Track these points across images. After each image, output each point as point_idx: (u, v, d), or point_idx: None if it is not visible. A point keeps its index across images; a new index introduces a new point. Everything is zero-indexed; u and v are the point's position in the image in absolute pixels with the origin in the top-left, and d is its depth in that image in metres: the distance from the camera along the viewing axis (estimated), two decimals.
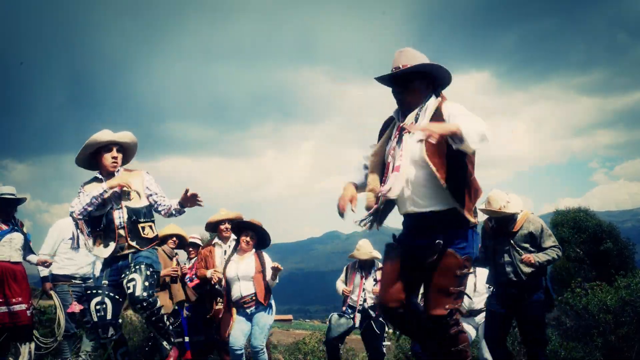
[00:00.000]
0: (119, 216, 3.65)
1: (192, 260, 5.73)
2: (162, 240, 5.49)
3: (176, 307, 5.35)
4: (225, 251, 5.16)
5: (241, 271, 4.75)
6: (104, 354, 5.01)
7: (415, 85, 2.65)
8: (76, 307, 4.80)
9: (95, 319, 3.56)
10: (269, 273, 4.80)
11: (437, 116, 2.56)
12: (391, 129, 2.77)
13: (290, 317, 44.90)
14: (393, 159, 2.61)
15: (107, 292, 3.62)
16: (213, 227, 5.40)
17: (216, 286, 5.10)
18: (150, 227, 3.78)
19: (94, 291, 3.64)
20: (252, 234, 4.85)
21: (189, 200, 3.74)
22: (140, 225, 3.70)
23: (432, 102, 2.64)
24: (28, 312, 4.60)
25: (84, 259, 4.99)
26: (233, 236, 5.17)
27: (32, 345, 4.48)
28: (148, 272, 3.62)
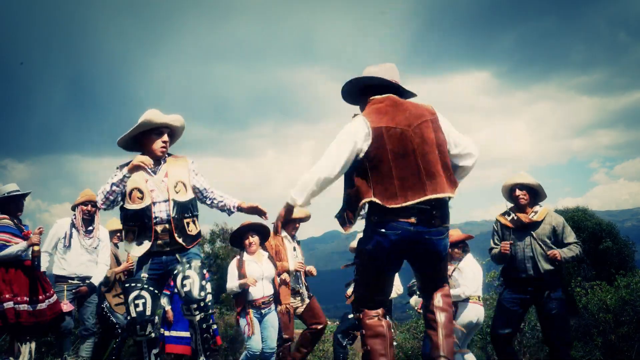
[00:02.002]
0: (164, 209, 3.33)
1: None
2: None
3: None
4: (294, 248, 5.17)
5: (265, 271, 4.76)
6: (104, 355, 5.02)
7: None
8: (65, 307, 4.78)
9: (134, 314, 3.26)
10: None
11: None
12: None
13: None
14: None
15: (146, 286, 3.32)
16: (284, 222, 5.32)
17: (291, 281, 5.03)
18: (194, 222, 3.47)
19: (132, 284, 3.33)
20: (253, 233, 4.86)
21: (254, 212, 3.56)
22: (185, 221, 3.39)
23: None
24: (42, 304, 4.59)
25: (79, 259, 4.99)
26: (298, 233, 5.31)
27: (33, 344, 4.47)
28: (204, 271, 3.40)
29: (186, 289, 3.29)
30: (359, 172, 2.63)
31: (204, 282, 3.34)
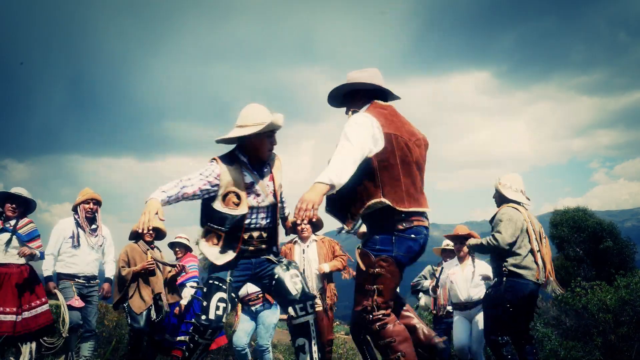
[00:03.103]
0: (264, 215, 3.09)
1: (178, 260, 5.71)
2: (139, 234, 5.38)
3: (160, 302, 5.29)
4: (304, 250, 5.02)
5: None
6: (105, 354, 5.02)
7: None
8: (76, 302, 4.77)
9: (213, 317, 2.93)
10: None
11: None
12: None
13: None
14: None
15: (230, 291, 3.01)
16: (292, 228, 5.15)
17: None
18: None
19: (219, 284, 2.98)
20: None
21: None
22: (280, 226, 3.23)
23: None
24: (15, 316, 4.43)
25: (87, 258, 4.98)
26: (313, 236, 5.06)
27: (34, 345, 4.48)
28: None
29: (298, 286, 3.06)
30: (368, 170, 2.65)
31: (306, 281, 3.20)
